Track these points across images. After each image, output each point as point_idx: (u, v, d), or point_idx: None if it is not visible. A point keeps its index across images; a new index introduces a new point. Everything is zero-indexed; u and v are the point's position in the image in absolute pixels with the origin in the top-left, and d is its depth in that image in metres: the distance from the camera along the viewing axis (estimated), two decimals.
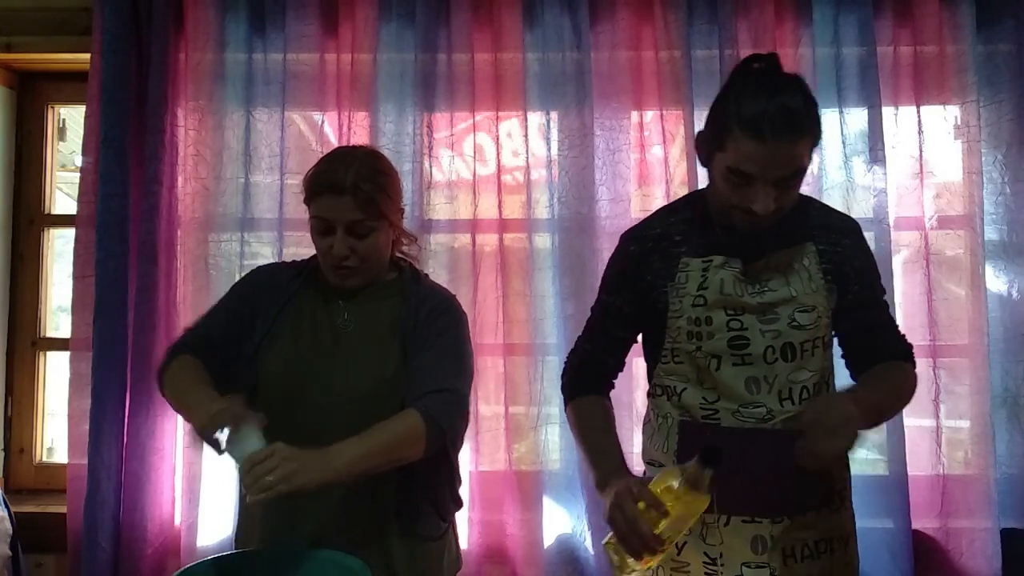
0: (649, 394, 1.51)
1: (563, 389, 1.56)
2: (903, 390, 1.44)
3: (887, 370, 1.42)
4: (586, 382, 1.53)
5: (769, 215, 1.29)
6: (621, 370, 1.55)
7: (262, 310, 1.51)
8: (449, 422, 1.40)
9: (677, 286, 1.39)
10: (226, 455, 1.26)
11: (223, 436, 1.24)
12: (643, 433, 1.53)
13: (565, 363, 1.57)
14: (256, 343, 1.48)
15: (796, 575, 1.37)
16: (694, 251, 1.40)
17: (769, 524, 1.36)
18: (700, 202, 1.46)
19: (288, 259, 1.70)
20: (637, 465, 1.55)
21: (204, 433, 1.27)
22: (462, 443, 1.54)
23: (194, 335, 1.53)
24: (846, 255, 1.42)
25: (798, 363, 1.36)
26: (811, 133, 1.29)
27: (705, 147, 1.36)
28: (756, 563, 1.35)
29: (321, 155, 1.58)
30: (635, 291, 1.44)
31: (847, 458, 1.44)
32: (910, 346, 1.48)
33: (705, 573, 1.38)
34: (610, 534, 1.26)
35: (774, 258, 1.38)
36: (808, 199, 1.50)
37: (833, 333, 1.44)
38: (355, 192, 1.40)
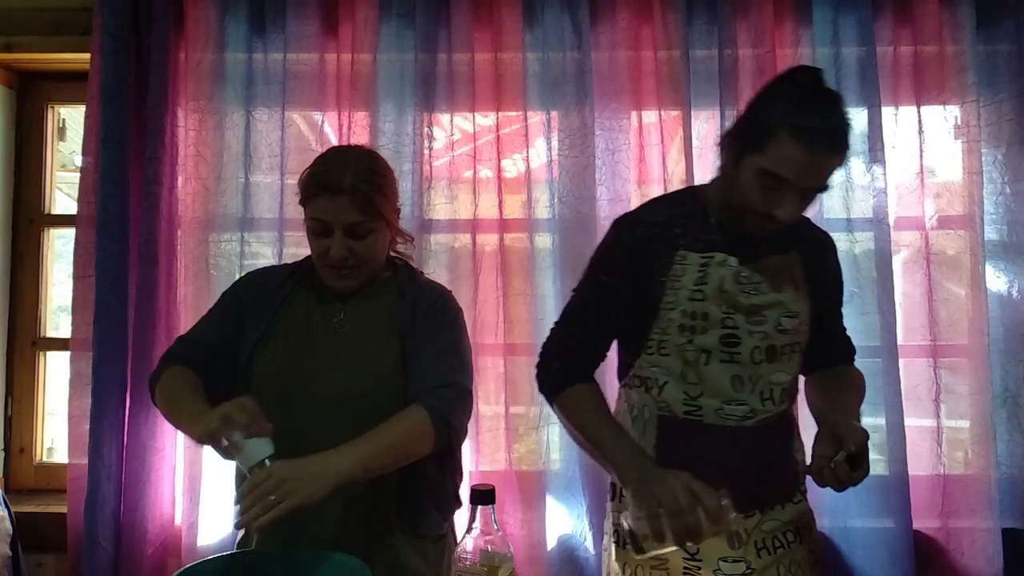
0: (625, 385, 1.50)
1: (548, 380, 1.47)
2: (863, 390, 1.54)
3: (847, 378, 1.54)
4: (578, 370, 1.46)
5: (788, 223, 1.33)
6: (603, 361, 1.51)
7: (255, 314, 1.50)
8: (455, 417, 1.40)
9: (672, 278, 1.39)
10: (234, 461, 1.26)
11: (234, 439, 1.23)
12: None
13: (544, 356, 1.49)
14: (251, 347, 1.47)
15: (768, 566, 1.41)
16: (692, 246, 1.41)
17: (743, 519, 1.39)
18: (700, 199, 1.46)
19: (289, 259, 1.70)
20: None
21: (206, 441, 1.26)
22: (466, 435, 1.52)
23: (185, 344, 1.52)
24: (826, 270, 1.52)
25: (778, 365, 1.41)
26: (847, 151, 1.33)
27: (735, 146, 1.36)
28: (732, 558, 1.39)
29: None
30: (637, 275, 1.41)
31: (804, 455, 1.51)
32: (854, 348, 1.61)
33: (684, 569, 1.40)
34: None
35: (766, 262, 1.41)
36: None
37: None
38: (353, 193, 1.39)
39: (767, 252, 1.42)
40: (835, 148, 1.29)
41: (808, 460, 1.42)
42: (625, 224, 1.47)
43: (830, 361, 1.55)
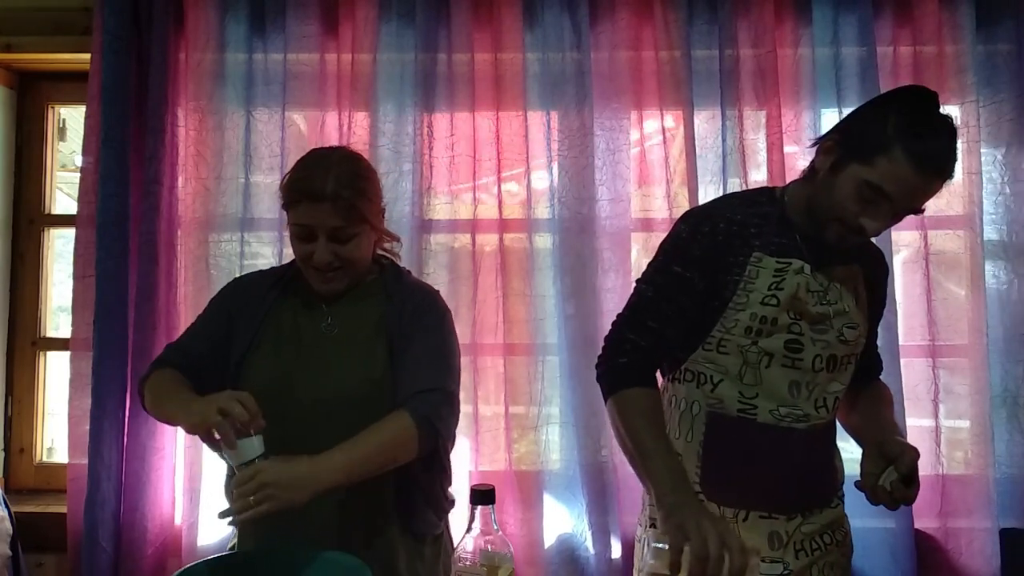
0: (673, 378, 1.47)
1: (610, 375, 1.40)
2: (893, 405, 1.58)
3: (881, 392, 1.57)
4: (643, 368, 1.40)
5: (871, 236, 1.35)
6: (666, 360, 1.47)
7: (243, 321, 1.49)
8: (441, 420, 1.40)
9: (746, 279, 1.38)
10: (223, 455, 1.27)
11: (226, 433, 1.23)
12: None
13: (609, 350, 1.42)
14: (239, 354, 1.47)
15: (805, 567, 1.42)
16: (766, 248, 1.39)
17: (784, 521, 1.42)
18: (779, 202, 1.45)
19: (288, 259, 1.69)
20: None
21: (199, 430, 1.25)
22: (455, 441, 1.53)
23: (174, 351, 1.52)
24: (879, 283, 1.54)
25: (835, 375, 1.43)
26: (950, 180, 1.33)
27: (838, 153, 1.34)
28: (771, 558, 1.39)
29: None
30: (714, 269, 1.39)
31: (841, 461, 1.53)
32: (882, 364, 1.65)
33: None
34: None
35: (835, 272, 1.42)
36: None
37: None
38: (335, 199, 1.37)
39: (835, 262, 1.42)
40: (944, 175, 1.29)
41: (844, 470, 1.46)
42: (703, 218, 1.43)
43: (864, 376, 1.54)
